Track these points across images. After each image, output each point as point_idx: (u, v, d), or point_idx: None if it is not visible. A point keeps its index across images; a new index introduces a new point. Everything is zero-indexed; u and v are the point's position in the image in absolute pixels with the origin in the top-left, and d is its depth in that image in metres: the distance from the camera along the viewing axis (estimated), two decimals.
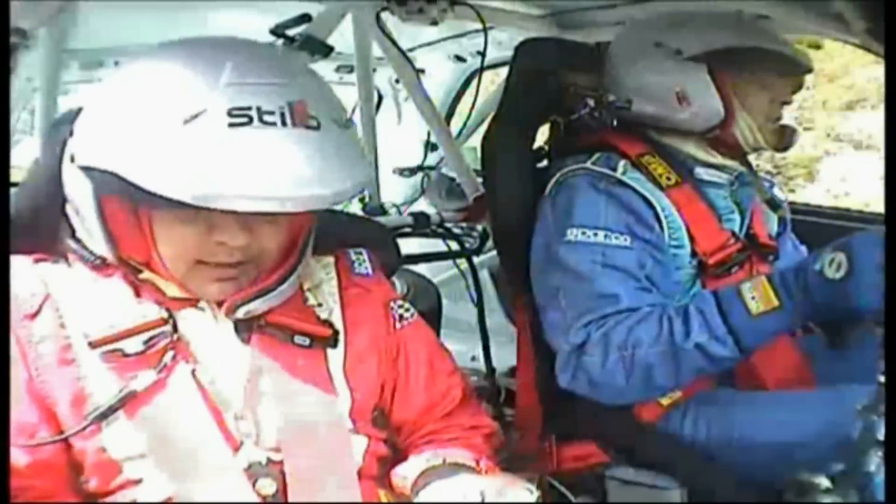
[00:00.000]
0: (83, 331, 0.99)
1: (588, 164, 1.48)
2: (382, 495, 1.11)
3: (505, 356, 2.26)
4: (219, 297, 1.04)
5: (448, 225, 2.29)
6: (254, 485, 1.01)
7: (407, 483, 1.12)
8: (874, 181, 5.66)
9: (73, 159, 0.98)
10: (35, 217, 1.07)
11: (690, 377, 1.34)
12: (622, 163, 1.47)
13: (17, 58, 1.23)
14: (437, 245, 2.35)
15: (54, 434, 0.96)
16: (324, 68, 2.57)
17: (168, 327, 1.02)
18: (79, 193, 0.99)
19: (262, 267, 1.05)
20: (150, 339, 1.01)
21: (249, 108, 0.89)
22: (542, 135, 1.76)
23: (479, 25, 2.01)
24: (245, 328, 1.07)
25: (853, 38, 1.50)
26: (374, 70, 2.43)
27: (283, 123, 0.91)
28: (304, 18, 1.87)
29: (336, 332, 1.13)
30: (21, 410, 0.95)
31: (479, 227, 2.40)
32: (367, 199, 2.48)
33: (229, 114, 0.88)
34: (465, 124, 2.55)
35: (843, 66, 7.22)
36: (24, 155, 1.15)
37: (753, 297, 1.26)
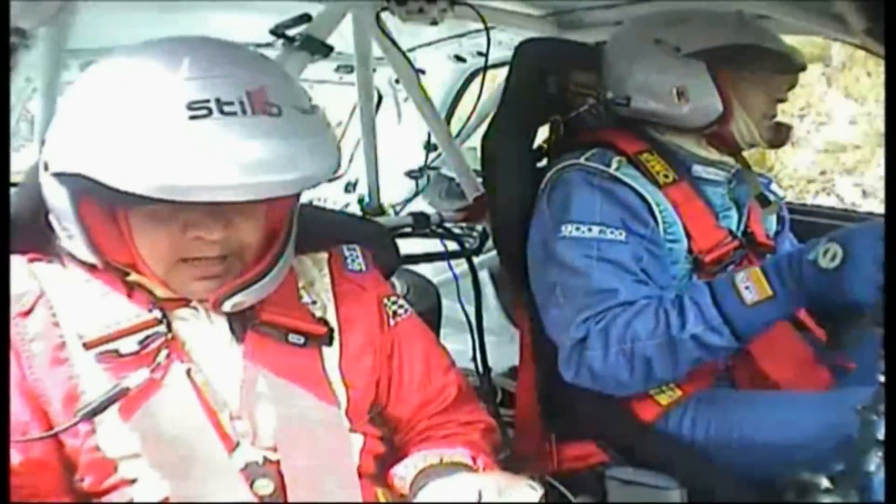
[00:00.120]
0: (77, 331, 0.99)
1: (582, 160, 1.48)
2: (380, 494, 1.11)
3: (505, 356, 2.27)
4: (203, 295, 1.04)
5: (448, 225, 2.29)
6: (251, 485, 1.01)
7: (405, 483, 1.12)
8: None
9: (46, 167, 0.99)
10: (29, 221, 1.08)
11: (689, 367, 1.34)
12: (616, 159, 1.48)
13: (17, 58, 1.23)
14: (437, 245, 2.35)
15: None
16: (324, 68, 2.57)
17: (162, 327, 1.02)
18: (57, 201, 0.99)
19: (245, 262, 1.05)
20: (145, 339, 1.01)
21: (208, 101, 0.90)
22: (543, 134, 1.76)
23: (479, 25, 2.01)
24: (240, 328, 1.07)
25: (853, 38, 1.50)
26: (374, 70, 2.43)
27: (244, 112, 0.91)
28: (304, 18, 1.87)
29: (331, 330, 1.13)
30: (13, 408, 0.95)
31: (479, 227, 2.41)
32: (366, 199, 2.49)
33: (189, 107, 0.89)
34: (465, 125, 2.55)
35: None
36: (27, 162, 1.15)
37: (747, 287, 1.26)
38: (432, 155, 2.81)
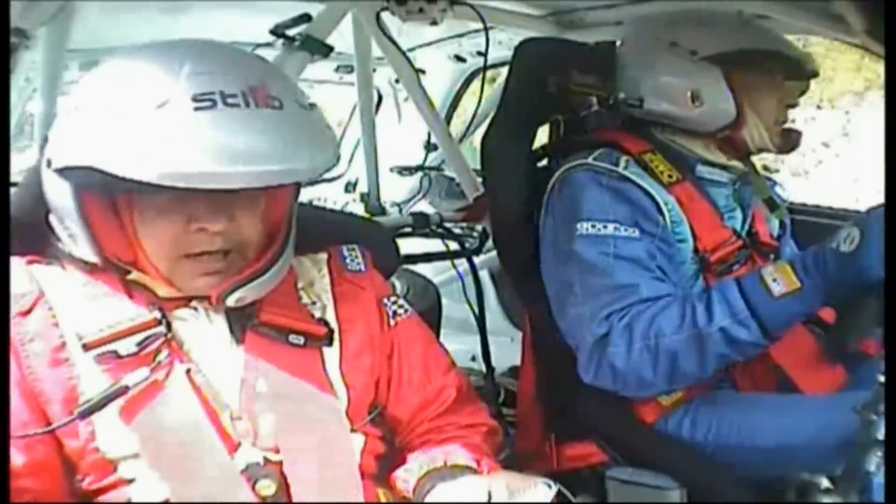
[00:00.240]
0: (77, 332, 0.99)
1: (590, 160, 1.48)
2: (381, 494, 1.11)
3: (505, 356, 2.27)
4: (206, 291, 1.04)
5: (448, 225, 2.29)
6: (253, 486, 1.01)
7: (408, 486, 1.12)
8: None
9: (49, 164, 1.00)
10: (29, 222, 1.08)
11: (715, 365, 1.32)
12: (623, 158, 1.48)
13: (17, 58, 1.23)
14: (437, 245, 2.35)
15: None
16: (324, 68, 2.57)
17: (161, 328, 1.02)
18: (59, 197, 1.00)
19: (246, 258, 1.06)
20: (144, 340, 1.01)
21: (212, 93, 0.92)
22: (543, 134, 1.76)
23: (479, 25, 2.01)
24: (239, 328, 1.08)
25: (853, 38, 1.50)
26: (374, 70, 2.43)
27: (247, 104, 0.93)
28: (304, 18, 1.87)
29: (331, 331, 1.13)
30: (13, 408, 0.95)
31: (479, 227, 2.41)
32: (366, 199, 2.48)
33: (194, 99, 0.91)
34: (468, 126, 2.55)
35: None
36: (31, 163, 1.16)
37: (775, 280, 1.26)
38: (431, 155, 2.82)
